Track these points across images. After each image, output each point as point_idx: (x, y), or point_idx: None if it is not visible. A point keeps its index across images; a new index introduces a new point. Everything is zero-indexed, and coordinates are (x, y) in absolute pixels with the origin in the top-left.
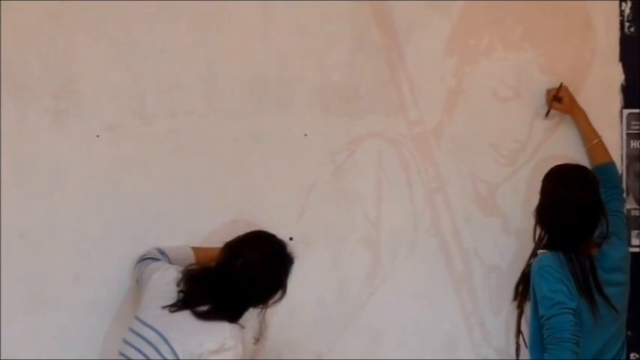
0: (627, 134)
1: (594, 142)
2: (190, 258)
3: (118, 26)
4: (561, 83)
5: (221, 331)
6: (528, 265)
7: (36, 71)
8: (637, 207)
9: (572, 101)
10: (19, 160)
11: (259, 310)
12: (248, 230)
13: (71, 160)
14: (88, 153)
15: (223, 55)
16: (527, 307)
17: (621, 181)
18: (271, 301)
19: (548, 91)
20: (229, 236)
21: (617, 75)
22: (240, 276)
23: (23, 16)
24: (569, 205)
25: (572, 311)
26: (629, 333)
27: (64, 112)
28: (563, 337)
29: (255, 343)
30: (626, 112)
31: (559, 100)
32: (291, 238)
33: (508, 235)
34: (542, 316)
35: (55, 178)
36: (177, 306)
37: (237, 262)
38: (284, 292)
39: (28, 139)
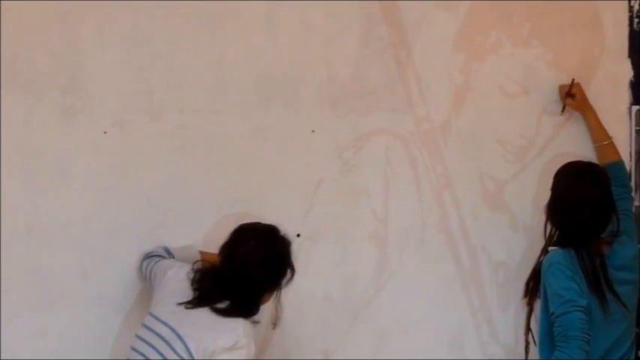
0: (636, 130)
1: (605, 142)
2: (196, 259)
3: (125, 23)
4: (573, 80)
5: (235, 328)
6: (539, 262)
7: (44, 68)
8: None
9: (584, 98)
10: (27, 156)
11: (274, 294)
12: None
13: (79, 156)
14: (95, 149)
15: (231, 51)
16: (537, 304)
17: (630, 180)
18: (284, 282)
19: (561, 87)
20: None
21: (625, 71)
22: (247, 263)
23: (30, 13)
24: (581, 201)
25: (582, 309)
26: (637, 330)
27: (71, 109)
28: (574, 335)
29: (273, 328)
30: (634, 108)
31: (572, 96)
32: (298, 235)
33: (516, 231)
34: (552, 314)
35: (63, 175)
36: (193, 303)
37: (238, 252)
38: (293, 270)
39: (36, 136)
